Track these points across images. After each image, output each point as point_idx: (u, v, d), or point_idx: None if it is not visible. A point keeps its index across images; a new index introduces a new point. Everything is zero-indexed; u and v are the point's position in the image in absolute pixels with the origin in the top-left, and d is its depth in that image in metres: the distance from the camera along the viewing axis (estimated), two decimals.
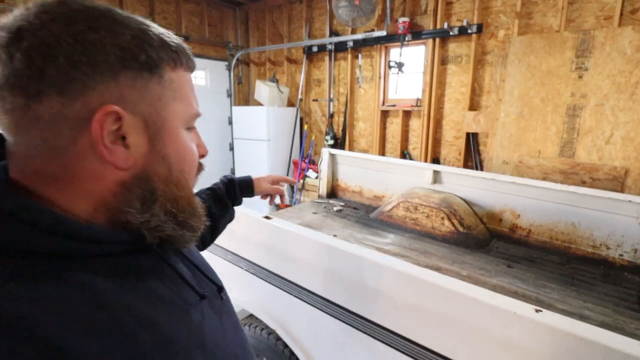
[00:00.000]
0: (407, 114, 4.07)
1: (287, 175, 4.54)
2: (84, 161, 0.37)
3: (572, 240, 2.25)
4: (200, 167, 0.51)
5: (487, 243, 2.45)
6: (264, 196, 1.00)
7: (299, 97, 4.60)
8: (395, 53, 4.00)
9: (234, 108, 4.49)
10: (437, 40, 3.63)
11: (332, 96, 4.48)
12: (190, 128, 0.47)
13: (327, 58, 4.48)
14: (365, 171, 3.09)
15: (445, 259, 2.22)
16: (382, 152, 4.31)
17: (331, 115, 4.60)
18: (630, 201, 2.00)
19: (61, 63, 0.34)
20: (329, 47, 4.35)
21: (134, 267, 0.41)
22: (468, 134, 3.63)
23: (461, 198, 2.59)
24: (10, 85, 0.34)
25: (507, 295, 1.85)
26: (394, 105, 4.11)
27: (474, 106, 3.61)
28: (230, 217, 0.90)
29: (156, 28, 0.41)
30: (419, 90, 3.92)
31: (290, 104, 4.93)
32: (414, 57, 3.99)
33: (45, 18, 0.34)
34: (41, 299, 0.32)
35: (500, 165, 3.25)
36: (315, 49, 4.52)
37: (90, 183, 0.38)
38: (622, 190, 2.75)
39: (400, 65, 3.80)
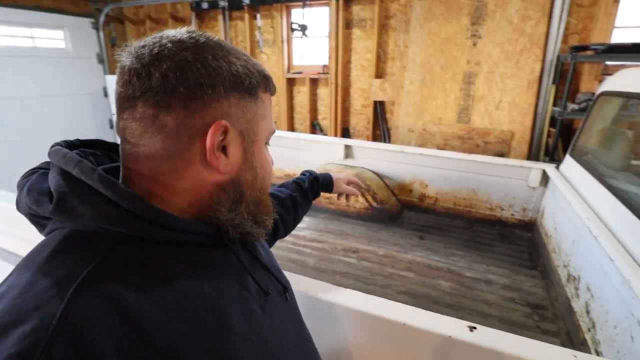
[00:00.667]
0: (314, 82, 3.88)
1: None
2: (192, 164, 0.43)
3: (473, 204, 2.38)
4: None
5: (399, 215, 2.48)
6: (340, 195, 1.04)
7: None
8: (298, 14, 3.70)
9: (109, 77, 3.71)
10: (341, 1, 3.43)
11: None
12: (267, 143, 0.52)
13: (220, 17, 3.96)
14: (273, 149, 2.84)
15: (362, 238, 2.18)
16: (291, 124, 4.10)
17: None
18: (521, 166, 2.15)
19: (190, 83, 0.41)
20: (222, 3, 3.83)
21: (207, 258, 0.46)
22: (375, 102, 3.61)
23: (373, 172, 2.55)
24: (145, 98, 0.40)
25: (422, 269, 1.90)
26: (300, 72, 3.87)
27: (379, 73, 3.57)
28: (308, 209, 0.99)
29: (253, 60, 0.48)
30: (325, 57, 3.73)
31: None
32: (318, 19, 3.75)
33: (180, 47, 0.42)
34: (128, 280, 0.37)
35: (406, 133, 3.31)
36: (205, 5, 3.95)
37: (193, 183, 0.44)
38: (508, 152, 3.02)
39: (303, 28, 3.53)
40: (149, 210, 0.40)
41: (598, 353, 1.19)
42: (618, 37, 2.81)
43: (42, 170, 0.45)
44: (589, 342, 1.27)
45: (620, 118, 1.73)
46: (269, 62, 3.99)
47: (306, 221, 2.35)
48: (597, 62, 2.77)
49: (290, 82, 3.97)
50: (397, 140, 3.36)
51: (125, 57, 0.42)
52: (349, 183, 1.03)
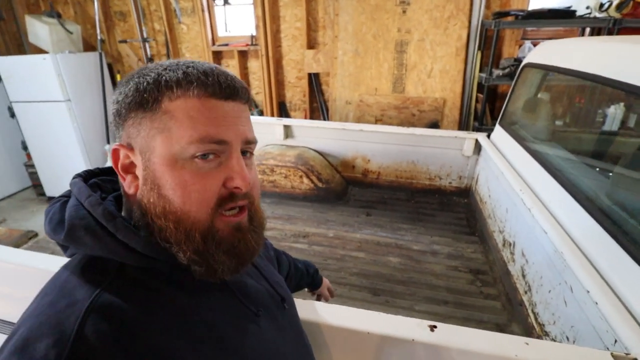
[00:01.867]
0: (243, 55, 3.61)
1: None
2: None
3: (414, 176, 2.46)
4: (236, 193, 0.47)
5: (345, 193, 2.48)
6: (316, 295, 1.10)
7: (99, 37, 3.48)
8: None
9: (1, 58, 3.11)
10: None
11: (145, 35, 3.57)
12: (207, 155, 0.44)
13: None
14: None
15: (310, 221, 2.15)
16: None
17: (150, 60, 3.74)
18: (456, 137, 2.24)
19: (121, 113, 0.46)
20: None
21: (203, 284, 0.48)
22: (310, 75, 3.48)
23: (315, 151, 2.49)
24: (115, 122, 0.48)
25: (372, 247, 1.94)
26: (226, 45, 3.57)
27: (312, 43, 3.42)
28: (298, 290, 1.04)
29: (196, 63, 0.46)
30: (253, 26, 3.47)
31: (90, 47, 3.77)
32: None
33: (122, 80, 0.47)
34: (134, 303, 0.41)
35: (343, 106, 3.27)
36: None
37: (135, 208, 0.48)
38: (442, 119, 3.13)
39: None
40: (139, 242, 0.43)
41: (535, 314, 1.31)
42: (535, 3, 2.96)
43: (64, 199, 0.49)
44: (526, 303, 1.39)
45: (544, 89, 1.84)
46: (190, 33, 3.62)
47: None
48: (517, 27, 2.91)
49: (217, 56, 3.67)
50: (335, 114, 3.31)
51: None
52: (328, 289, 1.13)
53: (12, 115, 3.40)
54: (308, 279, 1.03)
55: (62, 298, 0.40)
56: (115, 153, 0.47)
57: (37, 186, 3.61)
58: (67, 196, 0.50)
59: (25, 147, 3.53)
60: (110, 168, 0.56)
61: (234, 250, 0.46)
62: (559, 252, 1.13)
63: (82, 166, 3.38)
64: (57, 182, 3.51)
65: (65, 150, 3.37)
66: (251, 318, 0.53)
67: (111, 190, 0.53)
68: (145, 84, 0.44)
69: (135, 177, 0.47)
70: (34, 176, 3.58)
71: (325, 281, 1.12)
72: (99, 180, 0.53)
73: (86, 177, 0.52)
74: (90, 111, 3.42)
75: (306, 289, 1.09)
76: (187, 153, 0.43)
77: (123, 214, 0.50)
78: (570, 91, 1.99)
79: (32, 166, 3.52)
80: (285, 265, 0.94)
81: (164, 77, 0.43)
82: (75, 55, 3.25)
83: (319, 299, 1.12)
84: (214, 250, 0.45)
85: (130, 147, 0.46)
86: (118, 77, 3.77)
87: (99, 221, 0.43)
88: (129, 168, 0.47)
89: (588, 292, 0.95)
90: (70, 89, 3.19)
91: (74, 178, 0.50)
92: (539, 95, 1.92)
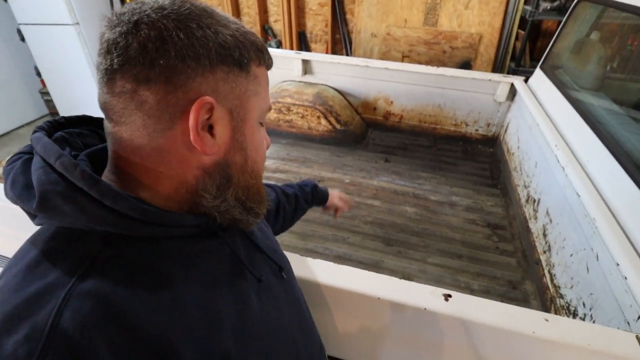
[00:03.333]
0: None
1: None
2: (175, 145, 0.40)
3: (438, 121, 2.32)
4: None
5: (364, 136, 2.38)
6: (329, 208, 1.05)
7: None
8: None
9: None
10: None
11: None
12: (262, 122, 0.48)
13: None
14: None
15: (327, 165, 2.09)
16: None
17: None
18: (490, 80, 2.05)
19: (171, 55, 0.37)
20: None
21: (198, 250, 0.44)
22: (334, 1, 3.17)
23: (335, 89, 2.35)
24: (124, 70, 0.37)
25: (388, 195, 1.89)
26: None
27: None
28: (303, 215, 0.99)
29: (246, 28, 0.43)
30: None
31: None
32: None
33: (161, 14, 0.37)
34: (122, 285, 0.36)
35: (369, 38, 3.01)
36: None
37: (177, 165, 0.41)
38: (475, 57, 2.87)
39: None
40: (133, 207, 0.38)
41: (551, 274, 1.29)
42: None
43: (25, 156, 0.41)
44: (543, 263, 1.36)
45: (598, 31, 1.61)
46: None
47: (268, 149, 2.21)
48: None
49: None
50: (359, 47, 3.07)
51: (104, 26, 0.38)
52: (341, 199, 1.06)
53: (22, 39, 3.28)
54: (307, 198, 0.96)
55: (32, 282, 0.34)
56: (201, 106, 0.39)
57: (54, 114, 3.62)
58: (27, 152, 0.42)
59: (38, 74, 3.47)
60: (79, 117, 0.48)
61: (265, 206, 0.52)
62: (591, 217, 1.06)
63: (95, 96, 3.33)
64: (73, 110, 3.49)
65: (78, 77, 3.29)
66: (253, 287, 0.50)
67: (82, 145, 0.46)
68: (238, 41, 0.41)
69: (214, 136, 0.41)
70: (50, 104, 3.56)
71: (334, 192, 1.05)
72: (66, 134, 0.44)
73: (49, 129, 0.44)
74: None
75: (318, 209, 1.04)
76: (261, 118, 0.47)
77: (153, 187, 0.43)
78: (632, 35, 1.74)
79: (47, 93, 3.49)
80: (272, 200, 0.87)
81: (250, 38, 0.42)
82: None
83: (335, 213, 1.06)
84: (256, 205, 0.50)
85: (215, 104, 0.40)
86: (128, 0, 3.53)
87: (78, 186, 0.36)
88: (212, 126, 0.41)
89: (618, 265, 0.90)
90: (78, 11, 3.01)
91: (35, 132, 0.42)
92: (592, 37, 1.68)
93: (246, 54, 0.42)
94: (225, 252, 0.48)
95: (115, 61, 0.37)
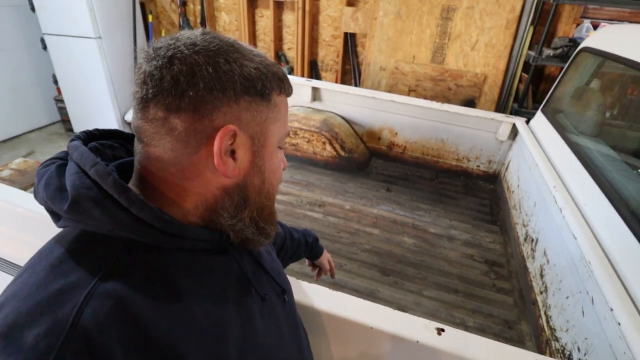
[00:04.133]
0: (279, 6, 3.43)
1: None
2: (199, 167, 0.43)
3: (440, 155, 2.36)
4: None
5: (367, 164, 2.42)
6: (314, 267, 1.09)
7: None
8: None
9: None
10: None
11: None
12: (280, 146, 0.51)
13: None
14: None
15: (329, 190, 2.12)
16: None
17: (184, 3, 3.61)
18: (492, 119, 2.11)
19: (200, 87, 0.40)
20: None
21: (209, 264, 0.47)
22: (346, 34, 3.30)
23: (342, 117, 2.41)
24: (157, 100, 0.41)
25: (387, 225, 1.91)
26: None
27: (352, 0, 3.21)
28: (296, 260, 1.02)
29: (269, 60, 0.47)
30: None
31: None
32: None
33: (192, 50, 0.41)
34: (140, 289, 0.38)
35: (377, 71, 3.11)
36: None
37: (200, 184, 0.44)
38: (479, 96, 2.95)
39: None
40: (156, 217, 0.40)
41: (547, 316, 1.28)
42: None
43: (60, 162, 0.45)
44: (540, 304, 1.35)
45: (598, 79, 1.67)
46: None
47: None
48: (579, 4, 2.62)
49: (252, 4, 3.50)
50: (367, 79, 3.17)
51: (142, 58, 0.42)
52: (329, 262, 1.09)
53: (44, 47, 3.40)
54: (306, 249, 0.99)
55: (55, 280, 0.36)
56: (225, 133, 0.42)
57: (65, 121, 3.69)
58: (61, 158, 0.45)
59: (56, 81, 3.57)
60: (111, 131, 0.52)
61: (276, 227, 0.55)
62: (586, 260, 1.07)
63: (109, 106, 3.41)
64: (84, 120, 3.56)
65: (94, 88, 3.38)
66: (257, 306, 0.51)
67: (111, 157, 0.49)
68: (261, 73, 0.44)
69: (235, 160, 0.44)
70: (63, 111, 3.64)
71: (326, 253, 1.08)
72: (99, 145, 0.48)
73: (85, 139, 0.47)
74: (120, 51, 3.38)
75: (306, 261, 1.06)
76: (280, 142, 0.50)
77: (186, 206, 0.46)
78: (631, 85, 1.81)
79: (62, 101, 3.57)
80: (280, 236, 0.91)
81: (272, 70, 0.46)
82: None
83: (318, 271, 1.08)
84: (268, 226, 0.52)
85: (238, 131, 0.44)
86: (150, 17, 3.68)
87: (109, 193, 0.39)
88: (234, 151, 0.44)
89: (612, 310, 0.90)
90: (102, 25, 3.14)
91: (72, 140, 0.45)
92: (592, 85, 1.75)
93: (268, 85, 0.45)
94: (234, 269, 0.50)
95: (150, 91, 0.40)
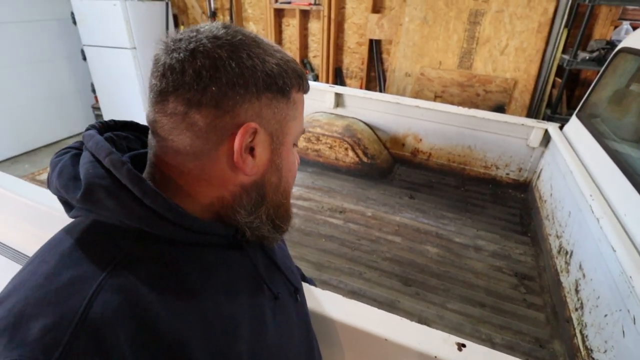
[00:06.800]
0: (305, 15, 3.47)
1: None
2: (218, 164, 0.42)
3: (467, 162, 2.28)
4: None
5: (390, 170, 2.37)
6: None
7: None
8: None
9: (75, 1, 3.22)
10: None
11: None
12: (295, 144, 0.51)
13: None
14: None
15: (350, 197, 2.09)
16: None
17: (213, 14, 3.72)
18: (523, 124, 2.01)
19: (223, 83, 0.39)
20: None
21: (222, 260, 0.46)
22: (371, 41, 3.28)
23: (365, 123, 2.38)
24: (177, 94, 0.39)
25: (410, 233, 1.85)
26: (289, 2, 3.44)
27: (377, 7, 3.19)
28: None
29: (289, 56, 0.46)
30: None
31: None
32: None
33: (215, 43, 0.40)
34: (151, 283, 0.37)
35: (402, 77, 3.06)
36: None
37: (217, 181, 0.43)
38: (509, 102, 2.84)
39: None
40: (171, 209, 0.39)
41: (583, 335, 1.18)
42: None
43: (74, 151, 0.44)
44: (575, 322, 1.25)
45: (638, 80, 1.56)
46: None
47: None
48: (617, 4, 2.48)
49: (279, 14, 3.56)
50: (392, 85, 3.12)
51: (160, 50, 0.41)
52: None
53: (84, 58, 3.60)
54: None
55: (65, 270, 0.35)
56: (246, 131, 0.41)
57: None
58: (76, 148, 0.44)
59: (93, 90, 3.76)
60: (127, 123, 0.51)
61: (290, 224, 0.54)
62: (627, 275, 0.98)
63: (142, 114, 3.55)
64: None
65: (128, 97, 3.54)
66: (269, 304, 0.50)
67: (126, 148, 0.48)
68: (282, 70, 0.43)
69: (254, 157, 0.44)
70: (99, 118, 3.83)
71: None
72: (114, 135, 0.47)
73: (100, 129, 0.46)
74: None
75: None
76: (296, 140, 0.50)
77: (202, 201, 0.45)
78: None
79: (98, 109, 3.76)
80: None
81: (291, 66, 0.45)
82: (143, 3, 3.32)
83: None
84: (283, 223, 0.52)
85: (259, 129, 0.43)
86: (182, 28, 3.82)
87: (123, 183, 0.38)
88: (253, 148, 0.43)
89: None
90: (137, 36, 3.29)
91: (88, 129, 0.44)
92: (632, 87, 1.63)
93: (288, 82, 0.44)
94: (247, 265, 0.49)
95: (171, 84, 0.39)
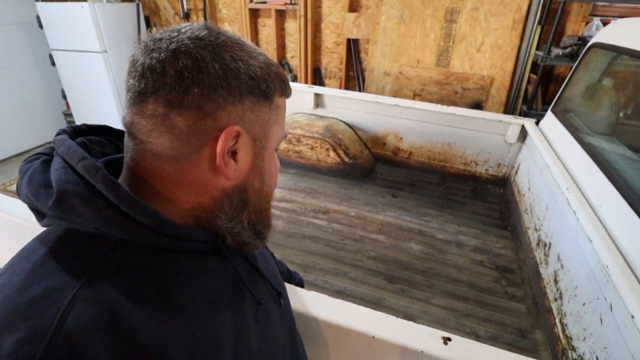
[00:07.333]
0: (281, 15, 3.45)
1: None
2: (199, 168, 0.41)
3: (447, 159, 2.31)
4: None
5: (372, 170, 2.38)
6: None
7: None
8: None
9: (40, 4, 3.11)
10: None
11: None
12: (276, 149, 0.50)
13: None
14: None
15: (333, 197, 2.08)
16: None
17: (187, 15, 3.65)
18: (500, 121, 2.05)
19: (205, 85, 0.38)
20: None
21: (203, 267, 0.44)
22: (349, 40, 3.29)
23: (345, 123, 2.38)
24: (157, 95, 0.38)
25: (393, 231, 1.85)
26: (264, 2, 3.41)
27: (354, 6, 3.20)
28: None
29: (271, 60, 0.45)
30: None
31: None
32: None
33: (198, 44, 0.38)
34: (129, 293, 0.35)
35: (381, 77, 3.08)
36: None
37: (198, 185, 0.42)
38: (486, 99, 2.89)
39: None
40: (149, 215, 0.37)
41: (563, 324, 1.21)
42: None
43: (45, 157, 0.42)
44: (555, 311, 1.28)
45: (611, 75, 1.61)
46: None
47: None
48: (587, 1, 2.56)
49: (254, 14, 3.52)
50: (371, 85, 3.14)
51: (139, 50, 0.40)
52: None
53: (53, 63, 3.47)
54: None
55: (38, 282, 0.34)
56: (229, 134, 0.40)
57: None
58: (47, 154, 0.43)
59: (64, 96, 3.63)
60: (100, 127, 0.49)
61: (270, 230, 0.53)
62: (603, 265, 1.00)
63: (116, 119, 3.44)
64: None
65: (100, 102, 3.43)
66: (252, 311, 0.49)
67: (99, 153, 0.46)
68: (266, 73, 0.43)
69: (236, 161, 0.43)
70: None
71: None
72: (87, 140, 0.45)
73: (72, 134, 0.44)
74: (125, 64, 3.41)
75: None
76: (278, 145, 0.49)
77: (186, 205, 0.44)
78: None
79: (70, 115, 3.63)
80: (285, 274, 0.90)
81: (274, 70, 0.44)
82: (112, 5, 3.21)
83: None
84: (264, 228, 0.51)
85: (242, 132, 0.42)
86: (154, 29, 3.72)
87: (97, 189, 0.36)
88: (235, 152, 0.42)
89: (633, 317, 0.84)
90: (107, 39, 3.19)
91: (58, 134, 0.42)
92: (604, 82, 1.68)
93: (272, 86, 0.44)
94: (228, 272, 0.47)
95: (150, 85, 0.38)
